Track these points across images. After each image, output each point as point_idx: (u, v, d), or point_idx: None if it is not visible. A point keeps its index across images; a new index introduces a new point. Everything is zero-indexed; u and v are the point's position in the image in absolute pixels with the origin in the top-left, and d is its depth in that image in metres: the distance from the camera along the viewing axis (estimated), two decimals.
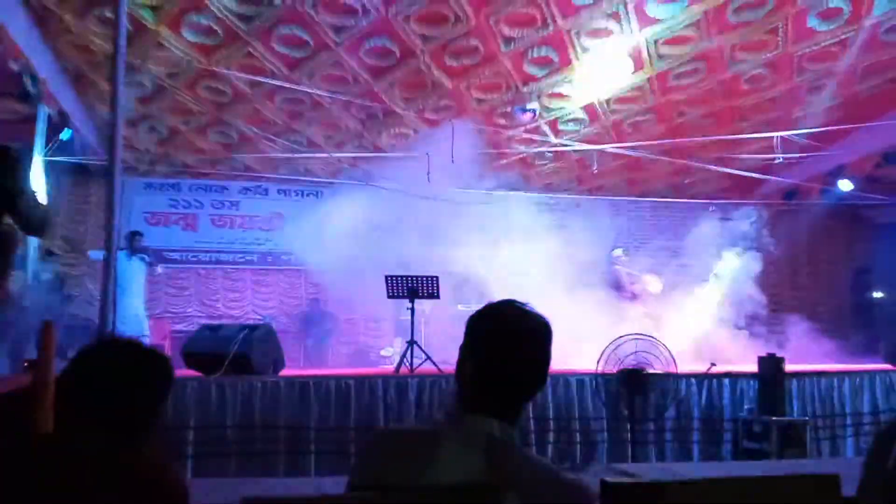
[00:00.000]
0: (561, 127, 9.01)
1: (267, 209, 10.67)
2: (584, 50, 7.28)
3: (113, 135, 4.40)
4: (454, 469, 1.34)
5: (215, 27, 6.69)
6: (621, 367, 5.20)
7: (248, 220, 10.64)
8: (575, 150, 9.04)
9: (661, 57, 7.49)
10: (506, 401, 1.46)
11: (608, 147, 8.65)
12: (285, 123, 8.77)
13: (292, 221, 10.07)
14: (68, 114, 7.25)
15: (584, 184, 10.97)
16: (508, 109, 8.44)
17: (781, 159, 8.56)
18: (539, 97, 8.24)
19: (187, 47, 6.96)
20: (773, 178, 9.44)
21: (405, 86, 7.95)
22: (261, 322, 8.47)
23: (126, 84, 4.62)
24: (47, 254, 7.66)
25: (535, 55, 7.34)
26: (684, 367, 5.72)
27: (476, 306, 1.61)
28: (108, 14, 5.28)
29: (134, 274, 7.58)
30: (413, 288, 6.69)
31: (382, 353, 9.48)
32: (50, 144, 7.29)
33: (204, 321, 9.57)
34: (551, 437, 5.53)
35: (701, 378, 5.89)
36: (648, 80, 8.00)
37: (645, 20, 6.81)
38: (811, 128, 8.34)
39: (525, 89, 8.04)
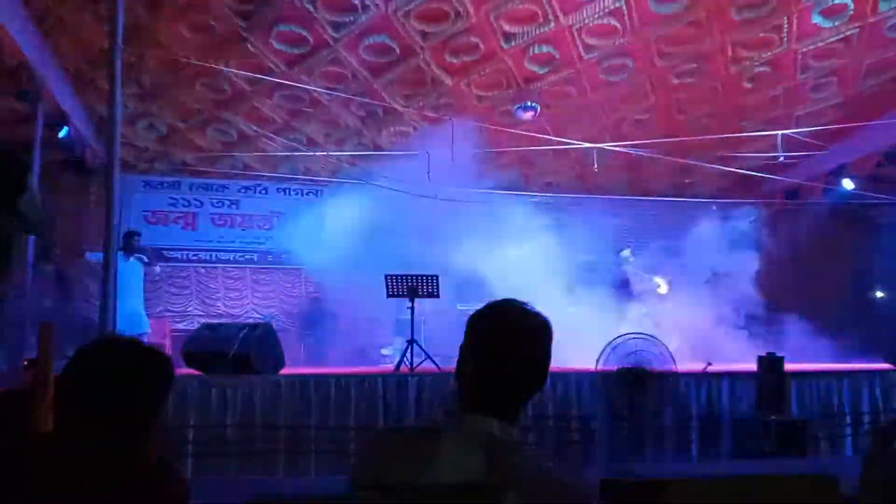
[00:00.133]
0: (561, 125, 9.01)
1: (267, 208, 10.67)
2: (586, 47, 7.27)
3: (111, 133, 4.40)
4: (454, 468, 1.34)
5: (214, 24, 6.68)
6: (621, 366, 5.19)
7: (248, 218, 10.63)
8: (575, 149, 9.03)
9: (662, 55, 7.48)
10: (506, 400, 1.46)
11: (608, 146, 8.64)
12: (284, 121, 8.76)
13: (292, 220, 10.07)
14: (67, 112, 7.24)
15: (585, 183, 10.97)
16: (509, 107, 8.43)
17: (783, 158, 8.55)
18: (540, 94, 8.23)
19: (186, 44, 6.95)
20: (774, 177, 9.42)
21: (405, 83, 7.94)
22: (261, 321, 8.48)
23: (124, 82, 4.62)
24: (47, 253, 7.65)
25: (536, 52, 7.32)
26: (683, 366, 5.72)
27: (476, 305, 1.61)
28: (106, 11, 5.26)
29: (132, 274, 7.57)
30: (413, 287, 6.70)
31: (383, 352, 9.47)
32: (48, 142, 7.28)
33: (204, 320, 9.57)
34: (551, 435, 5.54)
35: (700, 377, 5.89)
36: (649, 78, 7.99)
37: (648, 18, 6.80)
38: (813, 126, 8.33)
39: (526, 87, 8.03)
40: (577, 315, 7.26)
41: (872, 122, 8.37)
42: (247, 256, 10.59)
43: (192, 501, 1.51)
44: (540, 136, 8.76)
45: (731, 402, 5.86)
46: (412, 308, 6.74)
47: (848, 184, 9.77)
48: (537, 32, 6.98)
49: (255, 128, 8.72)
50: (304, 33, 6.87)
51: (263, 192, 10.69)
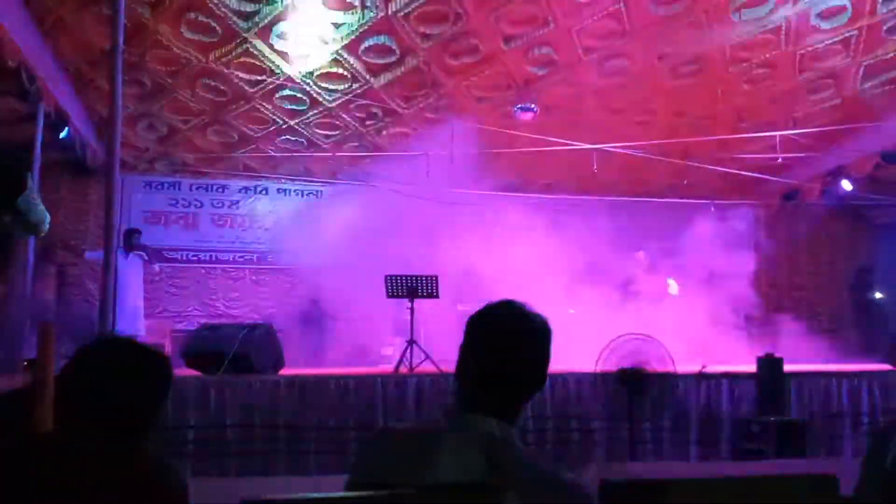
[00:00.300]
0: (560, 126, 9.01)
1: (267, 208, 10.67)
2: (586, 49, 7.27)
3: (112, 133, 4.40)
4: (454, 468, 1.35)
5: (214, 25, 6.69)
6: (620, 366, 5.20)
7: (248, 219, 10.63)
8: (574, 150, 9.03)
9: (661, 56, 7.49)
10: (506, 400, 1.47)
11: (607, 147, 8.64)
12: (284, 122, 8.76)
13: (292, 221, 10.06)
14: (67, 112, 7.24)
15: (584, 184, 10.97)
16: (509, 108, 8.44)
17: (781, 159, 8.56)
18: (539, 96, 8.24)
19: (186, 45, 6.95)
20: (773, 178, 9.43)
21: (405, 84, 7.94)
22: (261, 321, 8.47)
23: (125, 82, 4.62)
24: (47, 253, 7.64)
25: (536, 53, 7.33)
26: (681, 366, 5.73)
27: (476, 306, 1.61)
28: (107, 12, 5.27)
29: (131, 272, 7.58)
30: (413, 287, 6.70)
31: (382, 352, 9.47)
32: (48, 143, 7.28)
33: (204, 320, 9.56)
34: (550, 436, 5.54)
35: (700, 378, 5.89)
36: (648, 79, 7.99)
37: (647, 19, 6.80)
38: (811, 128, 8.34)
39: (526, 88, 8.03)
40: (577, 316, 7.27)
41: (870, 124, 8.38)
42: (247, 257, 10.58)
43: (192, 502, 1.52)
44: (539, 137, 8.77)
45: (731, 403, 5.86)
46: (412, 308, 6.74)
47: (846, 185, 9.78)
48: (537, 34, 6.98)
49: (255, 129, 8.72)
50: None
51: (263, 192, 10.69)
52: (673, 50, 7.36)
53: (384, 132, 9.12)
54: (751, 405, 5.81)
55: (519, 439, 1.44)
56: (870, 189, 9.77)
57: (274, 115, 8.54)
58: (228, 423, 5.04)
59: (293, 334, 9.92)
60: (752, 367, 5.89)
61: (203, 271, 10.45)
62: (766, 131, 8.53)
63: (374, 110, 8.48)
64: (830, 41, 7.24)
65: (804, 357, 7.82)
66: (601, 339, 5.36)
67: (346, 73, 7.60)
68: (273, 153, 9.26)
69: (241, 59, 7.23)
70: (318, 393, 5.26)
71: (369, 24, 6.69)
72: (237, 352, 5.40)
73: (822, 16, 6.83)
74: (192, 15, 6.52)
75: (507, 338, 1.49)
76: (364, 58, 7.31)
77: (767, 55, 7.49)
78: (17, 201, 2.87)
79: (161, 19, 6.54)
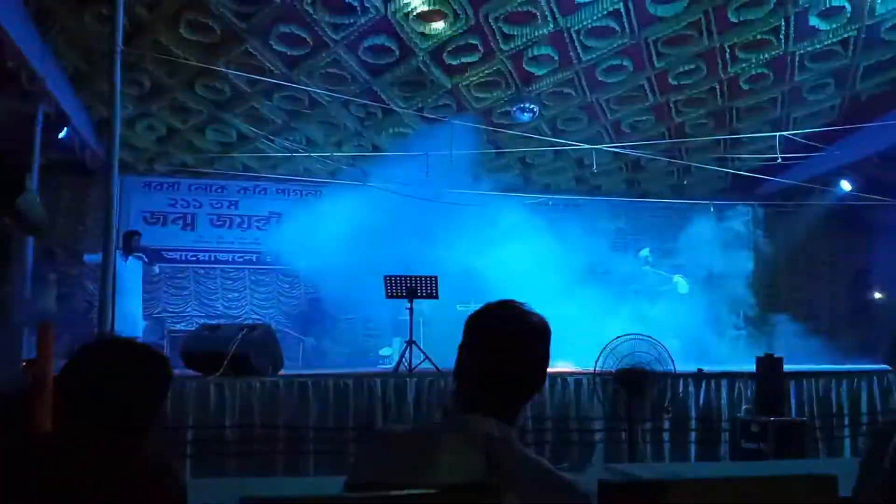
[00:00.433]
0: (560, 126, 9.02)
1: (266, 209, 10.66)
2: (585, 49, 7.28)
3: (111, 134, 4.41)
4: (453, 469, 1.35)
5: (213, 25, 6.69)
6: (619, 367, 5.20)
7: (247, 219, 10.63)
8: (574, 150, 9.05)
9: (660, 56, 7.50)
10: (505, 400, 1.47)
11: (607, 147, 8.65)
12: (284, 122, 8.76)
13: (291, 221, 10.07)
14: (66, 112, 7.23)
15: (583, 184, 10.99)
16: (508, 108, 8.44)
17: (780, 160, 8.57)
18: (539, 96, 8.24)
19: (185, 45, 6.95)
20: (772, 178, 9.44)
21: (404, 84, 7.95)
22: (260, 322, 8.46)
23: (124, 83, 4.63)
24: (47, 254, 7.63)
25: (535, 53, 7.33)
26: (681, 367, 5.73)
27: (475, 306, 1.61)
28: (107, 12, 5.27)
29: (131, 274, 7.57)
30: (412, 288, 6.70)
31: (381, 352, 9.47)
32: (48, 143, 7.27)
33: (203, 321, 9.56)
34: (549, 436, 5.54)
35: (699, 378, 5.89)
36: (648, 79, 8.00)
37: (646, 19, 6.81)
38: (811, 128, 8.35)
39: (525, 88, 8.04)
40: (576, 316, 7.27)
41: (870, 124, 8.39)
42: (245, 257, 10.58)
43: (190, 502, 1.52)
44: (538, 137, 8.77)
45: (730, 403, 5.87)
46: (411, 309, 6.74)
47: (845, 185, 9.79)
48: (536, 34, 6.99)
49: (254, 129, 8.72)
50: (304, 35, 6.88)
51: (262, 192, 10.69)
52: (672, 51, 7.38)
53: (383, 132, 9.13)
54: (749, 405, 5.81)
55: (518, 440, 1.44)
56: (869, 189, 9.77)
57: (273, 114, 8.54)
58: (227, 424, 5.04)
59: (292, 335, 9.94)
60: (751, 368, 5.89)
61: (202, 271, 10.46)
62: (765, 132, 8.54)
63: (373, 110, 8.49)
64: (830, 42, 7.25)
65: (803, 357, 7.83)
66: (600, 340, 5.37)
67: (344, 73, 7.60)
68: (272, 153, 9.26)
69: (241, 60, 7.23)
70: (317, 393, 5.25)
71: (370, 24, 6.70)
72: (236, 352, 5.39)
73: (822, 16, 6.84)
74: (192, 16, 6.52)
75: (506, 338, 1.49)
76: (363, 58, 7.32)
77: (767, 56, 7.50)
78: (16, 202, 2.87)
79: (160, 20, 6.54)
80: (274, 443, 5.10)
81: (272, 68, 7.38)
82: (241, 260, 10.59)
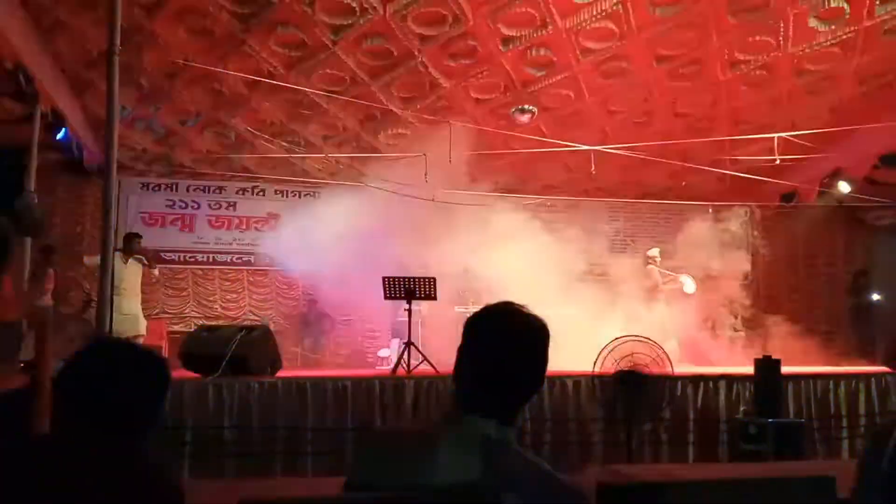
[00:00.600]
0: (559, 127, 9.02)
1: (264, 210, 10.66)
2: (584, 50, 7.28)
3: (109, 135, 4.40)
4: (451, 470, 1.35)
5: (212, 26, 6.68)
6: (618, 368, 5.20)
7: (246, 220, 10.63)
8: (573, 151, 9.05)
9: (659, 58, 7.50)
10: (503, 402, 1.47)
11: (606, 148, 8.65)
12: (282, 124, 8.76)
13: (290, 222, 10.07)
14: (64, 113, 7.23)
15: (582, 186, 10.99)
16: (507, 110, 8.44)
17: (779, 161, 8.57)
18: (537, 97, 8.24)
19: (183, 46, 6.94)
20: (771, 180, 9.45)
21: (403, 86, 7.95)
22: (258, 323, 8.46)
23: (122, 83, 4.62)
24: (45, 254, 7.61)
25: (535, 55, 7.33)
26: (679, 368, 5.74)
27: (473, 307, 1.62)
28: (104, 13, 5.26)
29: (131, 276, 7.56)
30: (410, 289, 6.69)
31: (380, 354, 9.48)
32: (45, 144, 7.27)
33: (201, 322, 9.56)
34: (548, 437, 5.54)
35: (697, 379, 5.90)
36: (646, 81, 8.01)
37: (645, 21, 6.81)
38: (809, 130, 8.36)
39: (524, 90, 8.04)
40: (575, 317, 7.27)
41: (868, 126, 8.39)
42: (244, 258, 10.58)
43: (189, 503, 1.51)
44: (537, 138, 8.77)
45: (728, 405, 5.87)
46: (409, 310, 6.74)
47: (844, 187, 9.81)
48: (535, 36, 6.99)
49: (252, 130, 8.71)
50: (303, 36, 6.87)
51: (261, 193, 10.69)
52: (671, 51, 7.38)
53: (381, 133, 9.12)
54: (748, 407, 5.82)
55: (517, 441, 1.44)
56: (867, 191, 9.79)
57: (272, 115, 8.54)
58: (226, 425, 5.04)
59: (290, 335, 9.93)
60: (749, 369, 5.89)
61: (200, 272, 10.45)
62: (763, 133, 8.55)
63: (373, 112, 8.49)
64: (828, 43, 7.25)
65: (801, 359, 7.84)
66: (599, 341, 5.37)
67: (343, 74, 7.60)
68: (271, 154, 9.25)
69: (239, 61, 7.23)
70: (315, 395, 5.25)
71: (367, 24, 6.70)
72: (235, 353, 5.39)
73: (820, 18, 6.85)
74: (190, 17, 6.51)
75: (504, 339, 1.49)
76: (362, 58, 7.32)
77: (765, 57, 7.51)
78: (13, 203, 2.87)
79: (158, 21, 6.53)
80: (272, 444, 5.10)
81: (271, 69, 7.38)
82: (239, 261, 10.58)
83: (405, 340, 6.51)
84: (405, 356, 6.35)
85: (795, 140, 8.27)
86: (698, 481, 1.52)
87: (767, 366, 5.75)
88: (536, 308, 1.54)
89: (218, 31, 6.75)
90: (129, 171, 9.54)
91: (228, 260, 10.55)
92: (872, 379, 6.17)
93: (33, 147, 6.41)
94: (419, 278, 6.72)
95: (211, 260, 10.48)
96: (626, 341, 5.27)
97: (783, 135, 8.37)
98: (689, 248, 9.69)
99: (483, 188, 9.25)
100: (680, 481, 1.52)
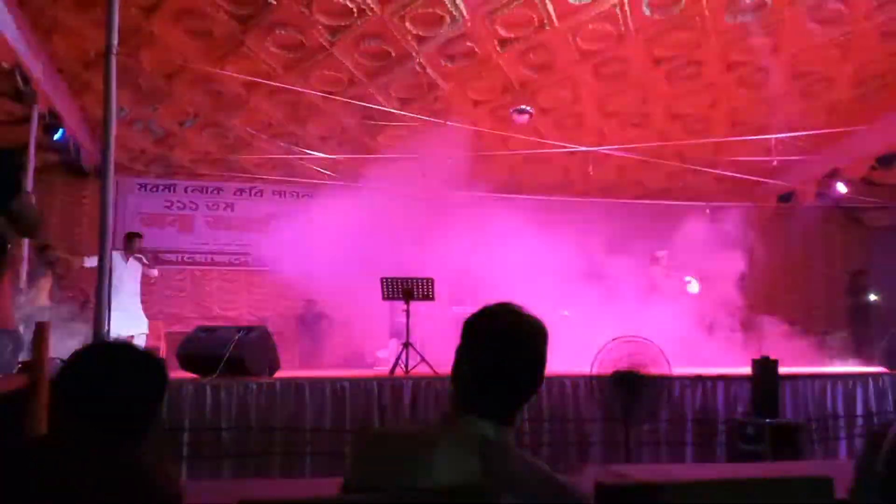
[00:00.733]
0: (557, 127, 9.03)
1: (262, 210, 10.65)
2: (581, 52, 7.29)
3: (106, 135, 4.39)
4: (448, 471, 1.35)
5: (210, 27, 6.68)
6: (616, 369, 5.20)
7: (244, 221, 10.62)
8: (570, 152, 9.06)
9: (657, 60, 7.51)
10: (501, 403, 1.47)
11: (603, 149, 8.66)
12: (280, 124, 8.76)
13: (288, 223, 10.05)
14: (62, 114, 7.22)
15: (580, 186, 10.99)
16: (504, 111, 8.45)
17: (776, 162, 8.60)
18: (535, 98, 8.25)
19: (182, 47, 6.94)
20: (768, 180, 9.47)
21: (401, 87, 7.95)
22: (256, 324, 8.44)
23: (120, 84, 4.61)
24: (43, 255, 7.60)
25: (532, 56, 7.34)
26: (677, 368, 5.74)
27: (471, 308, 1.61)
28: (102, 13, 5.25)
29: (130, 275, 7.56)
30: (408, 289, 6.69)
31: (378, 354, 9.46)
32: (43, 145, 7.25)
33: (199, 323, 9.54)
34: (546, 438, 5.54)
35: (695, 380, 5.90)
36: (643, 82, 8.02)
37: (642, 23, 6.82)
38: (806, 131, 8.38)
39: (521, 91, 8.05)
40: (573, 318, 7.28)
41: (865, 127, 8.42)
42: (242, 259, 10.57)
43: None
44: (535, 139, 8.78)
45: (726, 405, 5.87)
46: (407, 311, 6.73)
47: (841, 187, 9.83)
48: (533, 37, 7.00)
49: (251, 131, 8.71)
50: (301, 37, 6.87)
51: (259, 194, 10.68)
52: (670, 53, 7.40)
53: (380, 134, 9.13)
54: (746, 407, 5.82)
55: (515, 442, 1.44)
56: (864, 192, 9.81)
57: (270, 115, 8.54)
58: (224, 426, 5.03)
59: (288, 336, 9.92)
60: (747, 370, 5.90)
61: (198, 273, 10.44)
62: (761, 134, 8.56)
63: (371, 112, 8.49)
64: (825, 44, 7.27)
65: (799, 359, 7.84)
66: (597, 342, 5.37)
67: (341, 75, 7.60)
68: (269, 155, 9.26)
69: (237, 62, 7.23)
70: (313, 395, 5.25)
71: (365, 25, 6.70)
72: (232, 354, 5.38)
73: (818, 19, 6.87)
74: (189, 18, 6.51)
75: (502, 340, 1.49)
76: (360, 59, 7.32)
77: (762, 58, 7.52)
78: (10, 203, 2.86)
79: (156, 22, 6.53)
80: (270, 445, 5.09)
81: (269, 70, 7.38)
82: (237, 262, 10.57)
83: (403, 341, 6.51)
84: (403, 357, 6.34)
85: (792, 141, 8.30)
86: (696, 482, 1.52)
87: (765, 366, 5.76)
88: (534, 308, 1.54)
89: (216, 32, 6.75)
90: (127, 172, 9.53)
91: (226, 261, 10.54)
92: (870, 379, 6.18)
93: (31, 147, 6.40)
94: (417, 279, 6.72)
95: (209, 261, 10.47)
96: (624, 342, 5.27)
97: (780, 136, 8.40)
98: (688, 248, 9.69)
99: (481, 188, 9.26)
100: (678, 482, 1.52)
